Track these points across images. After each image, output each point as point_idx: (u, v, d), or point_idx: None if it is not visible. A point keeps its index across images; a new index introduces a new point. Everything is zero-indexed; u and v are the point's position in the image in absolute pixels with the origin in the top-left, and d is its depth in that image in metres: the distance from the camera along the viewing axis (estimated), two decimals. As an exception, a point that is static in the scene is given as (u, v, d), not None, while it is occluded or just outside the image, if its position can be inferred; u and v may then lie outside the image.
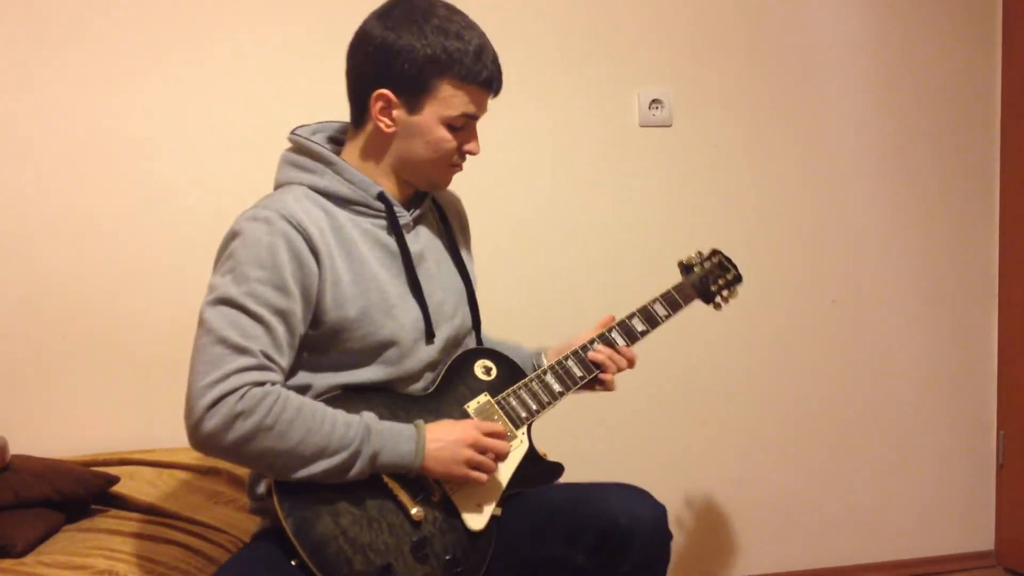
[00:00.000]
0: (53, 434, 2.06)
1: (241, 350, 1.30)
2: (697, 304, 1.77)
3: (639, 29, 2.42)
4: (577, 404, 2.36)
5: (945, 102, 2.63)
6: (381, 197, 1.47)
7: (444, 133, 1.44)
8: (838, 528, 2.65)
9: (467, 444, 1.40)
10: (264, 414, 1.28)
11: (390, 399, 1.44)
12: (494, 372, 1.56)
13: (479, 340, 1.62)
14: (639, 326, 1.64)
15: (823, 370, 2.61)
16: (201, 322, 1.34)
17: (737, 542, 2.59)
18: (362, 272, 1.43)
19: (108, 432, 2.11)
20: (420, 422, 1.41)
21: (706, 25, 2.46)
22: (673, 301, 1.70)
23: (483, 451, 1.42)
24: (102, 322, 2.13)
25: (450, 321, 1.54)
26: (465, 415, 1.49)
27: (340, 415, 1.35)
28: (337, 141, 1.54)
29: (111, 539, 1.65)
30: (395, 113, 1.44)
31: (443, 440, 1.39)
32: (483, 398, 1.51)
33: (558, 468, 1.57)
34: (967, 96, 2.65)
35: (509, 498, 1.50)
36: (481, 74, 1.42)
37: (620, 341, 1.62)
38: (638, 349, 1.67)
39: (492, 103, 1.50)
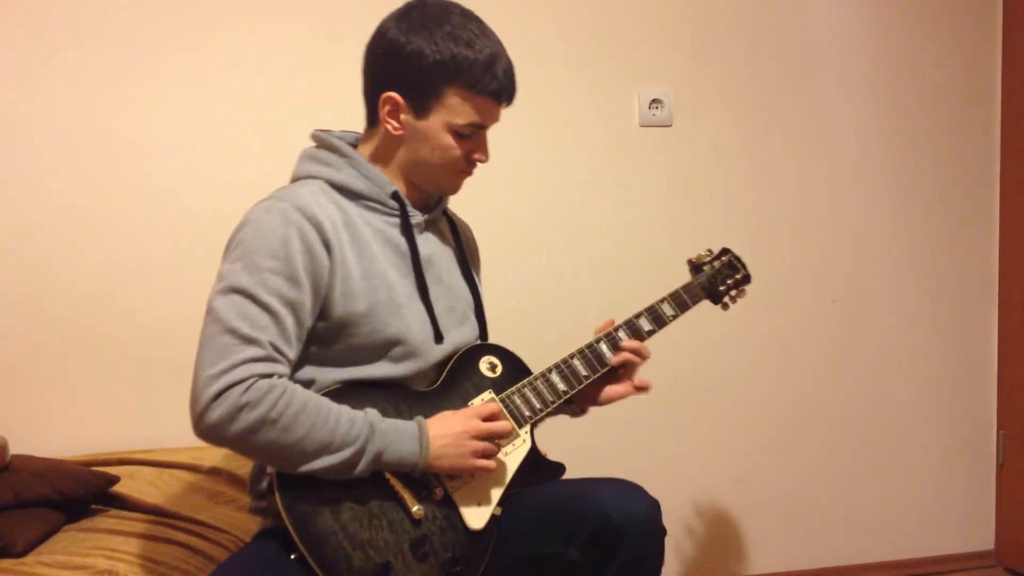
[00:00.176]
0: (53, 434, 2.06)
1: (249, 340, 1.30)
2: (702, 304, 1.77)
3: (639, 29, 2.42)
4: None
5: (945, 102, 2.63)
6: (395, 196, 1.48)
7: (450, 140, 1.44)
8: (838, 528, 2.65)
9: (471, 435, 1.40)
10: (269, 407, 1.28)
11: (393, 394, 1.44)
12: (499, 369, 1.56)
13: None
14: (646, 325, 1.64)
15: (823, 370, 2.61)
16: (210, 310, 1.33)
17: (737, 542, 2.59)
18: (372, 269, 1.43)
19: (108, 432, 2.11)
20: (421, 419, 1.41)
21: (706, 25, 2.46)
22: (681, 301, 1.69)
23: (486, 437, 1.42)
24: (102, 322, 2.13)
25: (459, 328, 1.54)
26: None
27: (345, 411, 1.35)
28: (355, 145, 1.54)
29: (111, 539, 1.65)
30: (403, 117, 1.44)
31: (447, 436, 1.39)
32: (487, 395, 1.51)
33: (560, 468, 1.57)
34: (967, 96, 2.65)
35: (507, 497, 1.50)
36: (490, 85, 1.42)
37: (626, 341, 1.62)
38: (649, 359, 1.66)
39: (511, 104, 1.50)
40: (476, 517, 1.43)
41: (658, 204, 2.47)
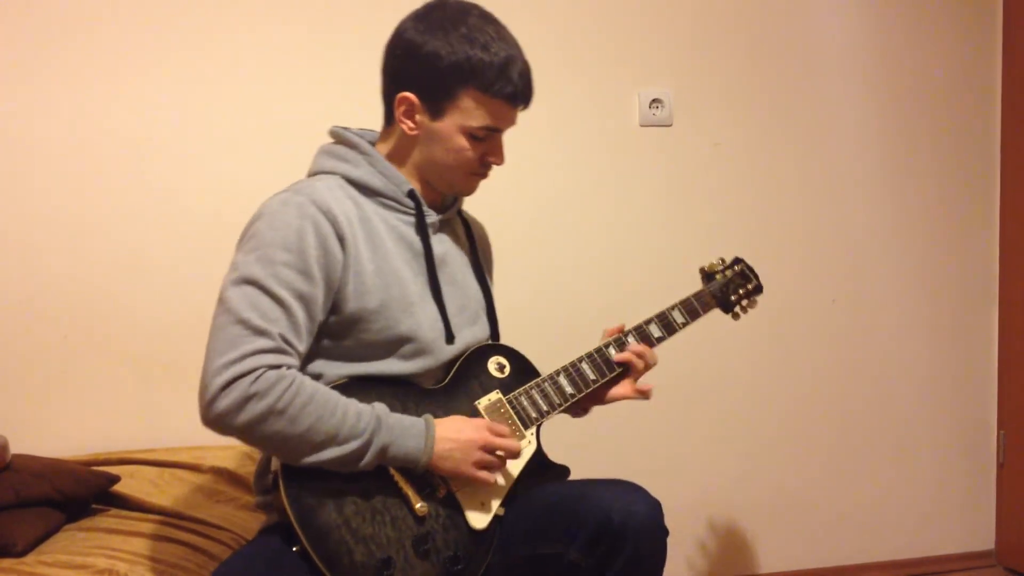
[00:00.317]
0: (54, 434, 2.06)
1: (260, 332, 1.31)
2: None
3: (639, 29, 2.42)
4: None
5: (946, 102, 2.63)
6: (411, 195, 1.48)
7: (464, 142, 1.44)
8: (838, 528, 2.65)
9: (478, 446, 1.41)
10: (277, 397, 1.29)
11: (401, 390, 1.44)
12: (507, 369, 1.56)
13: None
14: (656, 332, 1.65)
15: (823, 370, 2.61)
16: (222, 300, 1.34)
17: (737, 541, 2.59)
18: (385, 266, 1.43)
19: (109, 431, 2.11)
20: (430, 417, 1.41)
21: (707, 25, 2.46)
22: (692, 309, 1.69)
23: (493, 451, 1.42)
24: (102, 322, 2.13)
25: (471, 328, 1.55)
26: (475, 411, 1.49)
27: (352, 404, 1.35)
28: (371, 143, 1.54)
29: (112, 538, 1.65)
30: (418, 117, 1.44)
31: (454, 440, 1.39)
32: (494, 395, 1.51)
33: (564, 471, 1.57)
34: (968, 96, 2.65)
35: (510, 498, 1.50)
36: (504, 88, 1.42)
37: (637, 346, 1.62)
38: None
39: (527, 108, 1.50)
40: (479, 517, 1.44)
41: (658, 204, 2.47)
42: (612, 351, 1.60)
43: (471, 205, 1.76)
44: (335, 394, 1.35)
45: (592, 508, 1.42)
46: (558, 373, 1.56)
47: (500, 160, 1.50)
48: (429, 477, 1.41)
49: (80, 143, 2.11)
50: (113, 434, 2.11)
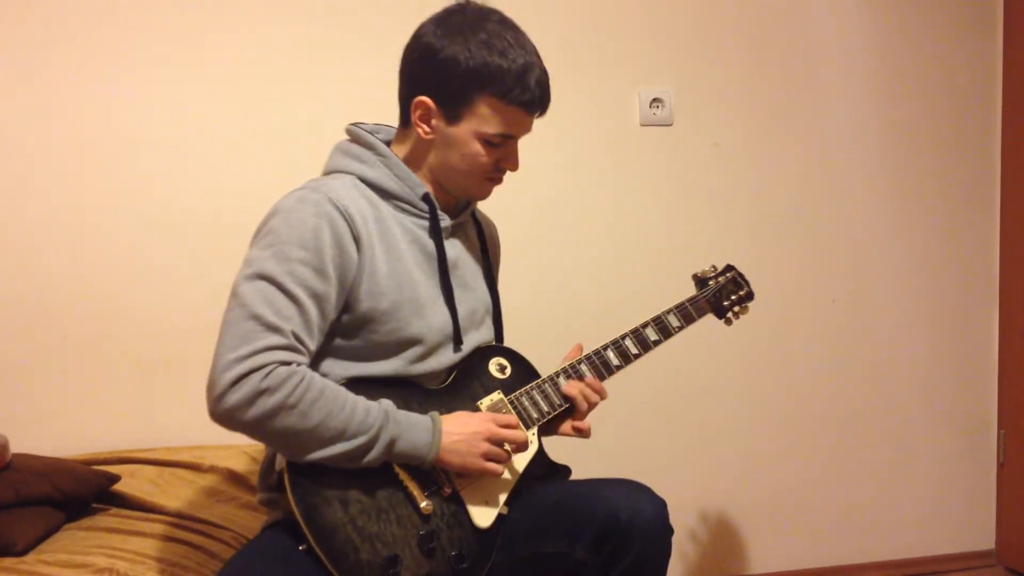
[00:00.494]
0: (54, 433, 2.06)
1: (273, 328, 1.31)
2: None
3: (640, 28, 2.42)
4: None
5: (946, 101, 2.63)
6: (426, 198, 1.48)
7: (479, 148, 1.45)
8: (838, 528, 2.65)
9: (484, 437, 1.41)
10: (288, 393, 1.29)
11: (405, 391, 1.45)
12: (509, 371, 1.56)
13: None
14: (652, 335, 1.66)
15: (824, 369, 2.61)
16: (235, 294, 1.33)
17: (737, 541, 2.59)
18: (398, 267, 1.44)
19: (109, 431, 2.11)
20: (435, 414, 1.42)
21: (707, 24, 2.46)
22: (687, 313, 1.71)
23: (499, 443, 1.43)
24: (103, 321, 2.13)
25: (477, 331, 1.56)
26: (477, 411, 1.49)
27: (361, 400, 1.36)
28: (388, 143, 1.54)
29: (112, 537, 1.65)
30: (434, 122, 1.45)
31: (460, 433, 1.40)
32: (496, 396, 1.52)
33: (566, 471, 1.58)
34: (968, 95, 2.65)
35: (514, 496, 1.50)
36: (522, 96, 1.42)
37: (634, 349, 1.64)
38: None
39: (543, 115, 1.50)
40: (483, 515, 1.44)
41: (659, 203, 2.47)
42: (610, 353, 1.62)
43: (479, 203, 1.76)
44: (344, 390, 1.36)
45: (599, 507, 1.43)
46: (558, 375, 1.57)
47: (515, 166, 1.50)
48: (434, 475, 1.42)
49: (80, 143, 2.11)
50: (113, 434, 2.11)
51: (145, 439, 2.10)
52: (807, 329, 2.60)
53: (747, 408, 2.57)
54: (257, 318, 1.30)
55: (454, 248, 1.54)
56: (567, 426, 1.59)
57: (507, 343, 1.64)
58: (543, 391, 1.55)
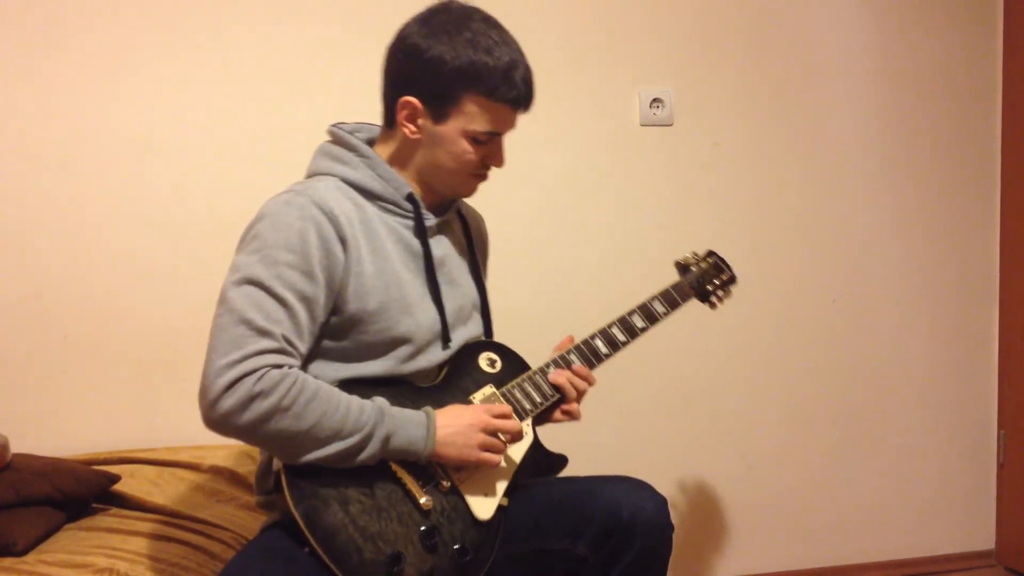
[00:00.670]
0: (54, 433, 2.06)
1: (263, 332, 1.31)
2: (693, 303, 1.79)
3: (640, 28, 2.42)
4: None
5: (947, 101, 2.63)
6: (410, 198, 1.49)
7: (466, 146, 1.45)
8: (838, 528, 2.65)
9: (479, 428, 1.42)
10: (282, 395, 1.29)
11: (397, 390, 1.45)
12: (498, 364, 1.57)
13: None
14: (639, 322, 1.67)
15: (824, 369, 2.61)
16: (223, 300, 1.34)
17: (737, 541, 2.59)
18: (385, 267, 1.44)
19: (109, 431, 2.11)
20: (429, 408, 1.42)
21: (707, 24, 2.46)
22: (672, 299, 1.72)
23: (494, 433, 1.43)
24: (103, 321, 2.13)
25: (464, 327, 1.56)
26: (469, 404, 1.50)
27: (354, 399, 1.36)
28: (371, 143, 1.54)
29: (112, 537, 1.65)
30: (420, 121, 1.45)
31: (455, 425, 1.40)
32: (488, 390, 1.53)
33: (562, 460, 1.59)
34: (968, 95, 2.65)
35: (512, 488, 1.51)
36: (508, 93, 1.43)
37: (621, 337, 1.64)
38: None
39: (528, 112, 1.50)
40: (483, 508, 1.44)
41: (659, 203, 2.47)
42: (599, 342, 1.63)
43: (472, 204, 1.76)
44: (337, 390, 1.36)
45: (601, 504, 1.44)
46: (548, 365, 1.58)
47: (501, 163, 1.51)
48: (432, 471, 1.42)
49: (80, 143, 2.11)
50: (113, 433, 2.11)
51: (145, 439, 2.10)
52: (807, 329, 2.60)
53: (747, 408, 2.57)
54: (247, 323, 1.30)
55: (440, 246, 1.54)
56: (557, 412, 1.60)
57: (507, 343, 1.64)
58: (534, 382, 1.56)
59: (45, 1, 2.08)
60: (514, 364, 1.59)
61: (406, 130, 1.46)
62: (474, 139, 1.45)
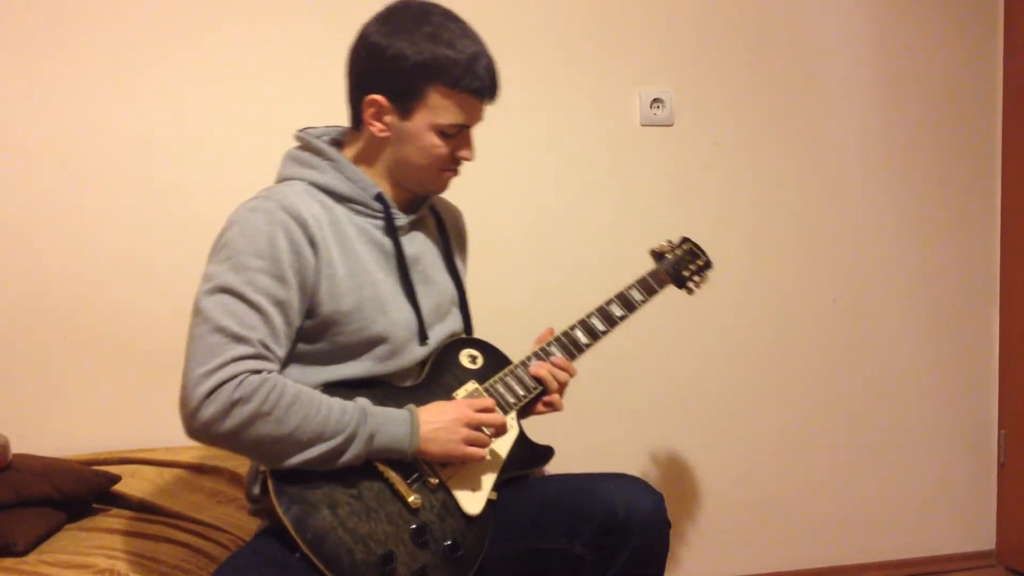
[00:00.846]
0: (55, 433, 2.06)
1: (239, 339, 1.31)
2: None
3: (640, 28, 2.42)
4: (578, 401, 2.37)
5: (947, 101, 2.63)
6: (379, 198, 1.49)
7: (435, 140, 1.45)
8: (838, 527, 2.65)
9: (463, 423, 1.42)
10: (262, 400, 1.29)
11: (379, 391, 1.45)
12: (480, 360, 1.58)
13: None
14: (617, 311, 1.68)
15: (824, 369, 2.61)
16: (197, 311, 1.34)
17: (737, 541, 2.59)
18: (357, 267, 1.44)
19: (109, 431, 2.11)
20: (412, 406, 1.42)
21: (708, 24, 2.46)
22: (648, 286, 1.73)
23: (478, 427, 1.44)
24: (103, 321, 2.13)
25: (442, 324, 1.56)
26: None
27: (336, 400, 1.36)
28: (339, 144, 1.55)
29: (112, 538, 1.65)
30: (387, 119, 1.45)
31: (438, 421, 1.41)
32: (471, 385, 1.53)
33: (548, 451, 1.59)
34: (969, 95, 2.65)
35: (506, 485, 1.51)
36: (472, 84, 1.42)
37: (600, 326, 1.65)
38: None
39: (493, 102, 1.50)
40: (472, 503, 1.45)
41: (659, 203, 2.47)
42: (578, 332, 1.63)
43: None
44: (318, 393, 1.36)
45: (596, 502, 1.44)
46: (529, 359, 1.58)
47: (471, 155, 1.51)
48: (418, 468, 1.42)
49: (81, 143, 2.11)
50: (113, 434, 2.11)
51: (145, 439, 2.10)
52: (808, 328, 2.60)
53: (747, 408, 2.57)
54: (222, 330, 1.31)
55: (413, 244, 1.54)
56: (539, 404, 1.60)
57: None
58: (516, 376, 1.56)
59: (45, 1, 2.08)
60: (495, 359, 1.60)
61: (373, 128, 1.46)
62: (442, 133, 1.45)
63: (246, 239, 1.36)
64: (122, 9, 2.12)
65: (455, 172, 1.52)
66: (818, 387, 2.61)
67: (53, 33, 2.08)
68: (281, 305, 1.36)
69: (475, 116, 1.48)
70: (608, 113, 2.42)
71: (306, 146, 1.52)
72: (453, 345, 1.58)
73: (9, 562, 1.53)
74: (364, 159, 1.51)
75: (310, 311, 1.41)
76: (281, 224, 1.37)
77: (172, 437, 2.08)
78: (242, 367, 1.30)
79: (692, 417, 2.53)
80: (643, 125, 2.43)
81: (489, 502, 1.47)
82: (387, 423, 1.38)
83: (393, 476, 1.39)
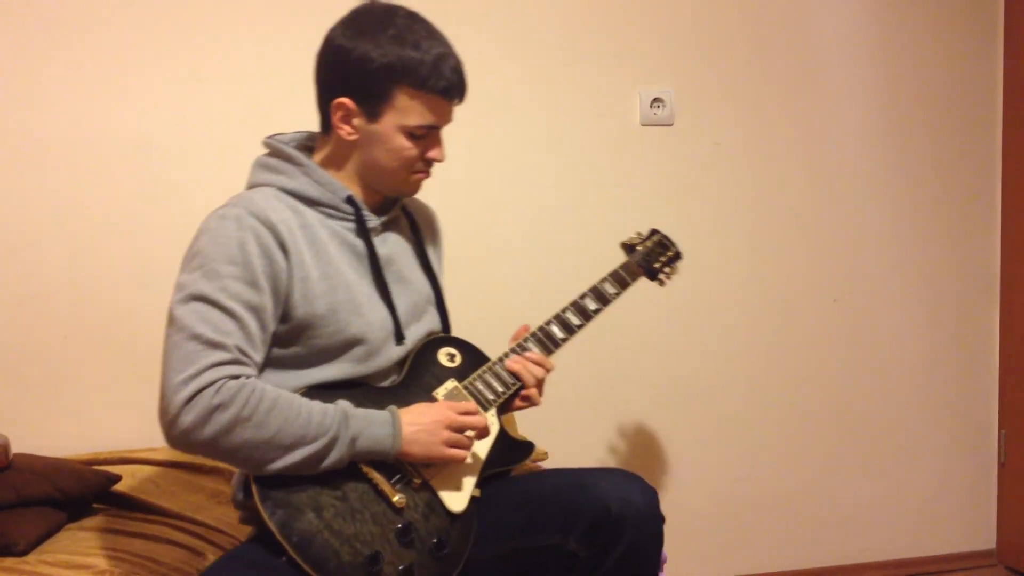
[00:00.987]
0: (55, 433, 2.06)
1: (215, 345, 1.31)
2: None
3: (640, 28, 2.42)
4: (577, 401, 2.37)
5: (947, 101, 2.63)
6: (350, 200, 1.49)
7: (404, 141, 1.45)
8: (838, 527, 2.65)
9: (444, 425, 1.42)
10: (241, 406, 1.29)
11: (359, 392, 1.45)
12: (458, 358, 1.58)
13: None
14: (591, 304, 1.68)
15: (825, 369, 2.61)
16: (172, 320, 1.34)
17: (738, 540, 2.59)
18: (329, 269, 1.44)
19: (110, 431, 2.11)
20: (393, 408, 1.42)
21: (708, 24, 2.46)
22: (621, 279, 1.74)
23: (460, 430, 1.44)
24: (104, 321, 2.13)
25: (418, 323, 1.56)
26: (434, 402, 1.50)
27: (316, 404, 1.36)
28: (308, 149, 1.55)
29: (113, 538, 1.65)
30: (355, 121, 1.45)
31: (420, 423, 1.41)
32: (450, 384, 1.53)
33: (529, 446, 1.60)
34: (969, 95, 2.65)
35: (497, 482, 1.52)
36: (438, 83, 1.42)
37: (575, 320, 1.66)
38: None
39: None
40: (456, 501, 1.45)
41: (659, 203, 2.47)
42: (554, 327, 1.63)
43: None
44: (298, 396, 1.36)
45: (589, 498, 1.44)
46: (506, 355, 1.58)
47: (441, 156, 1.50)
48: (402, 468, 1.42)
49: (82, 143, 2.11)
50: (113, 434, 2.11)
51: (145, 439, 2.10)
52: (809, 328, 2.60)
53: (747, 408, 2.57)
54: (198, 338, 1.30)
55: (386, 244, 1.54)
56: (517, 399, 1.60)
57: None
58: (494, 372, 1.56)
59: (45, 1, 2.08)
60: (473, 357, 1.60)
61: (342, 132, 1.46)
62: (411, 134, 1.45)
63: (217, 246, 1.36)
64: (122, 9, 2.12)
65: (426, 174, 1.52)
66: (818, 387, 2.61)
67: (53, 34, 2.08)
68: (255, 310, 1.36)
69: (444, 116, 1.48)
70: (608, 113, 2.42)
71: (275, 152, 1.52)
72: (431, 344, 1.58)
73: (9, 562, 1.53)
74: (333, 163, 1.51)
75: (285, 315, 1.41)
76: (251, 230, 1.37)
77: (172, 437, 2.08)
78: (220, 373, 1.30)
79: (692, 417, 2.53)
80: (643, 125, 2.43)
81: (473, 499, 1.47)
82: (369, 425, 1.37)
83: (377, 477, 1.39)
